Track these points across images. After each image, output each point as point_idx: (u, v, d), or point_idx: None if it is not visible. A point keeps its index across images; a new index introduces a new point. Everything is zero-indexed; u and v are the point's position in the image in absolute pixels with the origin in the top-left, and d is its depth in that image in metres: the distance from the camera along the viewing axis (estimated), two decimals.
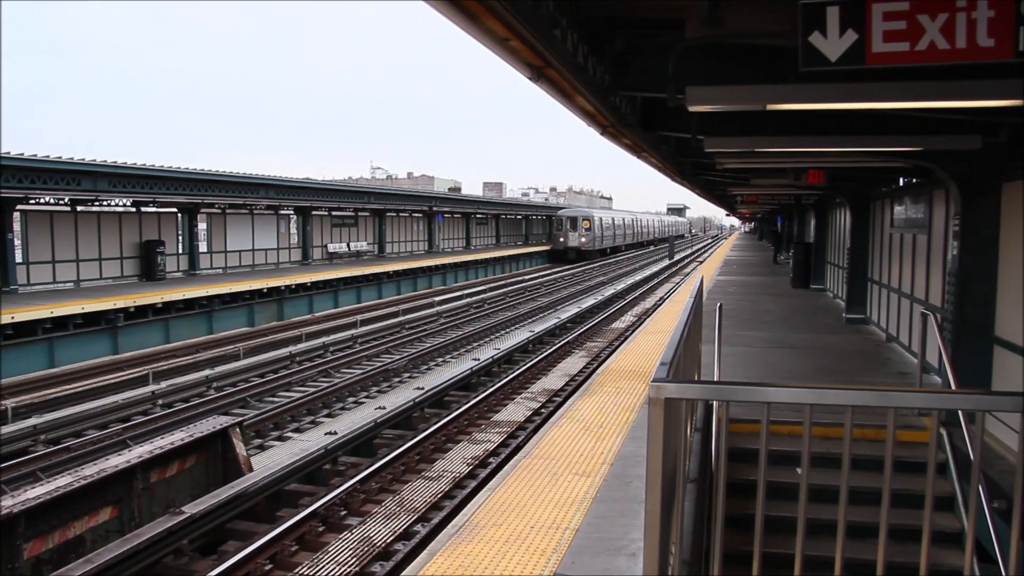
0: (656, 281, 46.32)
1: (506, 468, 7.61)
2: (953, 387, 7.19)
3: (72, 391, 16.66)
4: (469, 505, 6.69)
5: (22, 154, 21.15)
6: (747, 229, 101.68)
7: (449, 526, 6.18)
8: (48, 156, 21.99)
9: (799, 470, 7.91)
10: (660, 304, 29.78)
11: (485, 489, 7.03)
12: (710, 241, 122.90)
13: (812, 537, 4.97)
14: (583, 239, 65.17)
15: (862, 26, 3.49)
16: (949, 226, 9.75)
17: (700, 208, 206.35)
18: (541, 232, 74.90)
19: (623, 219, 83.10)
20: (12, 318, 19.68)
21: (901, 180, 13.77)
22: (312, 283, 32.64)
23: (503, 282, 44.20)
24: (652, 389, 3.02)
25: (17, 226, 24.73)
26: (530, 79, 5.51)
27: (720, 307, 9.48)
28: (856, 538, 5.22)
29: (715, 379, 8.03)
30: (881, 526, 3.33)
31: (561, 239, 65.44)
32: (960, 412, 6.51)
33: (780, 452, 6.74)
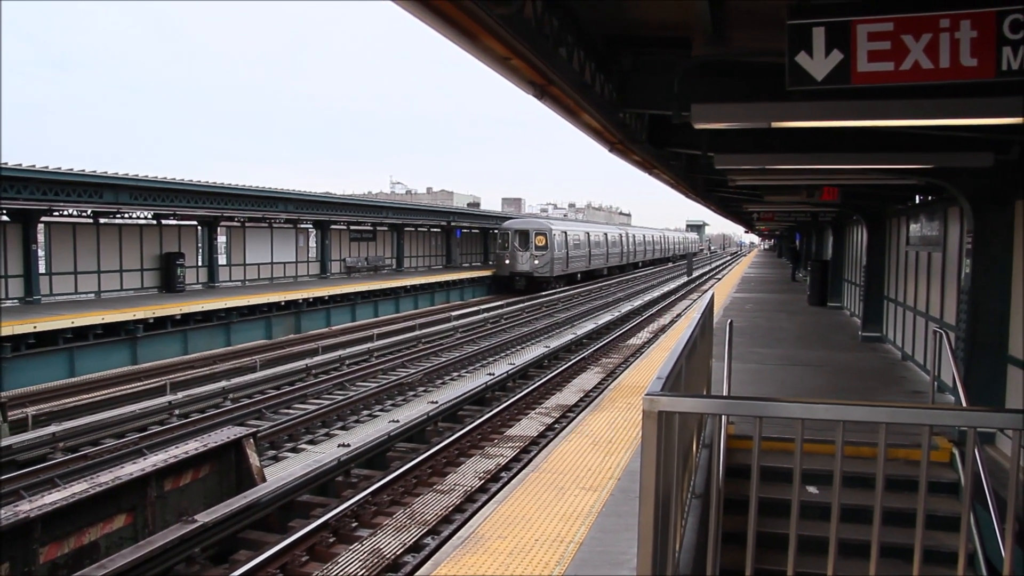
0: (674, 298, 46.18)
1: (514, 481, 7.65)
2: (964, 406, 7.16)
3: (91, 400, 16.85)
4: (475, 517, 6.74)
5: (47, 167, 21.48)
6: (766, 246, 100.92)
7: (455, 537, 6.23)
8: (72, 169, 22.31)
9: (811, 488, 7.88)
10: (676, 320, 29.76)
11: (492, 501, 7.08)
12: (729, 258, 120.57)
13: (813, 555, 4.99)
14: (536, 261, 48.21)
15: (847, 46, 3.55)
16: (963, 244, 9.73)
17: (719, 225, 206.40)
18: None
19: (604, 235, 63.93)
20: (35, 327, 19.96)
21: (917, 198, 13.75)
22: (330, 297, 32.84)
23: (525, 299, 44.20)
24: (646, 402, 3.07)
25: (41, 237, 25.10)
26: (534, 96, 5.59)
27: (731, 324, 9.49)
28: (853, 556, 5.24)
29: (723, 395, 8.03)
30: (915, 547, 3.35)
31: (506, 261, 48.68)
32: (971, 431, 6.50)
33: (782, 469, 6.77)
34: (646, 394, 3.11)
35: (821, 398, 7.62)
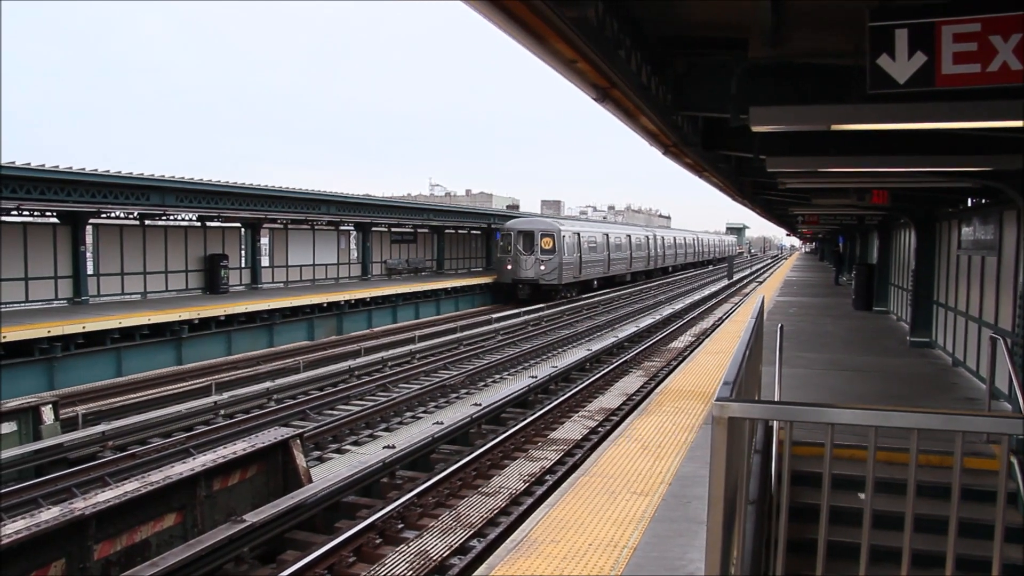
0: (715, 301, 45.80)
1: (564, 485, 7.63)
2: None
3: (138, 400, 17.09)
4: (527, 520, 6.72)
5: (96, 170, 21.82)
6: (808, 249, 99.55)
7: (508, 541, 6.22)
8: (120, 172, 22.64)
9: (861, 495, 7.77)
10: (719, 324, 29.50)
11: (544, 505, 7.06)
12: (769, 261, 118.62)
13: (876, 564, 4.90)
14: (541, 267, 41.64)
15: (931, 48, 3.46)
16: (1020, 248, 9.51)
17: (760, 228, 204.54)
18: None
19: (626, 237, 56.33)
20: (83, 328, 20.35)
21: (970, 201, 13.48)
22: (371, 298, 33.04)
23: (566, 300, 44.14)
24: (716, 408, 3.04)
25: (89, 239, 25.57)
26: (595, 100, 5.56)
27: (781, 328, 9.38)
28: (922, 567, 5.12)
29: (776, 400, 7.93)
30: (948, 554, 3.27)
31: (508, 266, 42.43)
32: None
33: (842, 476, 6.64)
34: (716, 399, 3.09)
35: (874, 405, 7.46)
